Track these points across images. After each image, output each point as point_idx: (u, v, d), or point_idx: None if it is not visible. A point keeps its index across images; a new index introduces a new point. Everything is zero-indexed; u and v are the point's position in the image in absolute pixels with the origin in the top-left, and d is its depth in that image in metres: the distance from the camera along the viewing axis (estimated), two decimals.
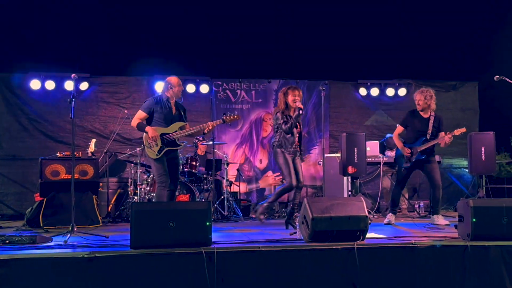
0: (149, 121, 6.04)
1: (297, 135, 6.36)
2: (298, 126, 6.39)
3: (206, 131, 6.13)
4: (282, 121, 6.23)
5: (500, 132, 9.91)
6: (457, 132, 6.77)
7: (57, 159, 7.10)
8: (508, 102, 9.91)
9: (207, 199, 8.06)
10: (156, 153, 5.90)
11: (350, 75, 10.70)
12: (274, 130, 6.40)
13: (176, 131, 6.01)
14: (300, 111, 6.18)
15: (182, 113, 6.20)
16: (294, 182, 6.18)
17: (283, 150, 6.25)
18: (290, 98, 6.26)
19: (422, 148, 6.72)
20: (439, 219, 6.58)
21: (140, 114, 6.04)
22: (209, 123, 6.09)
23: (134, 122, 6.05)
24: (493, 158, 8.65)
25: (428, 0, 10.23)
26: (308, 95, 10.50)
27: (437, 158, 8.58)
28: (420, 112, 6.84)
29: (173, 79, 6.16)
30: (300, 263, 4.32)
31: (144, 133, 5.99)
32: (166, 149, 5.92)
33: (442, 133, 6.82)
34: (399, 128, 7.06)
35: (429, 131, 6.76)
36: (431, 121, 6.79)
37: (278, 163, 6.35)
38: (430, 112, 6.82)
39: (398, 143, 6.96)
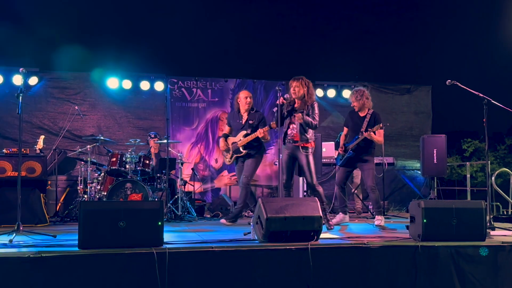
0: None
1: (290, 130, 6.31)
2: (293, 120, 6.31)
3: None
4: None
5: (452, 136, 10.18)
6: (375, 129, 6.79)
7: (3, 156, 6.84)
8: (459, 107, 10.19)
9: (160, 198, 7.92)
10: (229, 159, 7.00)
11: (307, 76, 10.69)
12: None
13: (240, 139, 6.81)
14: (274, 109, 6.24)
15: (252, 121, 6.87)
16: (282, 181, 6.23)
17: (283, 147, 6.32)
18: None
19: (352, 146, 6.78)
20: (381, 221, 6.57)
21: (225, 127, 7.25)
22: (260, 130, 6.65)
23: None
24: (444, 160, 8.87)
25: (383, 5, 10.40)
26: (265, 95, 10.48)
27: (391, 159, 8.74)
28: (358, 112, 6.90)
29: (241, 93, 7.04)
30: (254, 264, 4.28)
31: None
32: (234, 155, 6.91)
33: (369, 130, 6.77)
34: (344, 130, 7.13)
35: (363, 129, 6.73)
36: (367, 119, 6.80)
37: None
38: (368, 111, 6.87)
39: (341, 143, 7.07)
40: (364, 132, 6.63)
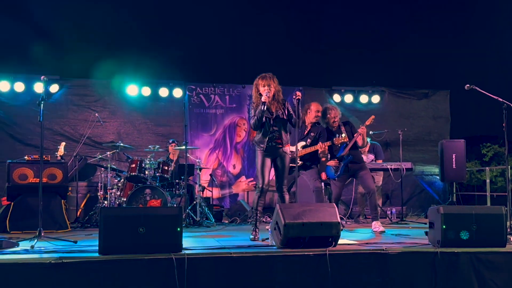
0: None
1: (273, 131, 5.66)
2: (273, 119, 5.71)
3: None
4: (251, 116, 5.67)
5: (471, 140, 10.08)
6: (368, 122, 6.91)
7: (25, 163, 6.95)
8: (478, 111, 10.09)
9: (179, 204, 7.97)
10: None
11: (325, 82, 10.75)
12: None
13: (299, 149, 6.63)
14: (263, 107, 5.46)
15: (314, 134, 6.88)
16: (259, 184, 5.70)
17: (257, 148, 5.73)
18: (261, 89, 5.60)
19: (346, 151, 6.76)
20: (377, 226, 6.52)
21: None
22: (320, 144, 6.68)
23: None
24: (463, 165, 8.79)
25: (401, 10, 10.37)
26: None
27: (409, 165, 8.68)
28: (328, 127, 6.97)
29: (313, 105, 7.00)
30: (272, 269, 4.29)
31: None
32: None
33: (357, 134, 6.87)
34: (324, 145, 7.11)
35: (347, 138, 6.84)
36: (343, 128, 6.90)
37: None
38: (338, 123, 6.92)
39: (322, 160, 7.11)
40: (361, 126, 6.81)
